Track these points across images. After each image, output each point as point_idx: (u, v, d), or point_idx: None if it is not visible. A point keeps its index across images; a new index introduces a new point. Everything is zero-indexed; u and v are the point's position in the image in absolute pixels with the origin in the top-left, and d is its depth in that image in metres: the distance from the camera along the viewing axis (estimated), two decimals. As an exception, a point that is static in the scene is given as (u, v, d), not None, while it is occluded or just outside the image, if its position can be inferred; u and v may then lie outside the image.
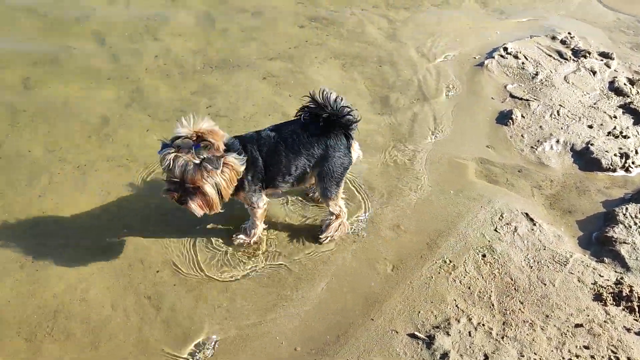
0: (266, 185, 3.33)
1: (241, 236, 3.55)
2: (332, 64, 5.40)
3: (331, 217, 3.54)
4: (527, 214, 3.80)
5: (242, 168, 3.03)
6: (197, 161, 2.84)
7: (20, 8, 5.97)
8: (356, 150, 3.43)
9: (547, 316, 3.14)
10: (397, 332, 3.06)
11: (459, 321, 3.10)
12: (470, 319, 3.12)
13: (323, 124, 3.19)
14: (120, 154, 4.18)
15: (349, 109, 3.18)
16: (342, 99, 3.16)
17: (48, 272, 3.34)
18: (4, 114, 4.56)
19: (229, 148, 3.04)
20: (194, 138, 2.88)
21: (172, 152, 2.83)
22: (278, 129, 3.27)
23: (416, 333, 3.05)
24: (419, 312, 3.17)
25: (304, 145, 3.22)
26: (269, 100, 4.86)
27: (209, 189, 2.92)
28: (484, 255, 3.52)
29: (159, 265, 3.42)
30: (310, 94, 3.16)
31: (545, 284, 3.33)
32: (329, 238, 3.57)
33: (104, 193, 3.85)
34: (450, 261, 3.47)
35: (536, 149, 4.48)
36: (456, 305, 3.20)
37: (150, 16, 5.99)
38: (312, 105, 3.17)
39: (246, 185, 3.23)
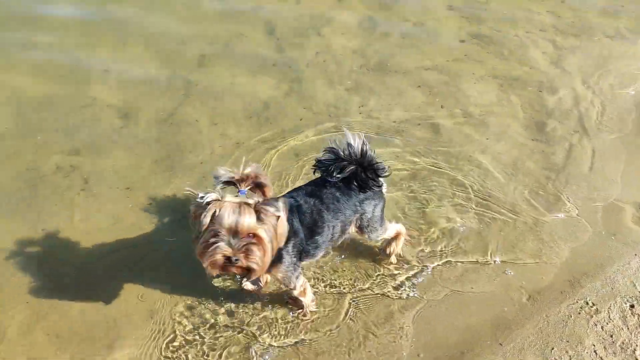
0: (304, 256, 2.96)
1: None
2: (489, 82, 5.29)
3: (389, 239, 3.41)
4: (689, 272, 3.46)
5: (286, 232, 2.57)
6: (252, 202, 2.38)
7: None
8: (383, 184, 3.19)
9: (701, 387, 2.85)
10: (525, 363, 2.94)
11: (596, 368, 2.91)
12: (609, 369, 2.91)
13: (356, 183, 2.96)
14: (275, 137, 4.45)
15: (377, 164, 2.95)
16: (369, 150, 2.92)
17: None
18: (180, 84, 5.07)
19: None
20: (239, 182, 2.47)
21: (215, 199, 2.38)
22: (317, 195, 2.92)
23: (546, 369, 2.91)
24: (553, 348, 3.01)
25: (346, 207, 2.96)
26: (421, 108, 4.88)
27: (264, 235, 2.40)
28: (632, 306, 3.25)
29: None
30: (332, 147, 2.92)
31: (702, 352, 3.01)
32: (393, 255, 3.44)
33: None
34: (594, 304, 3.25)
35: None
36: (594, 351, 3.00)
37: (316, 14, 6.29)
38: (327, 160, 2.93)
39: (285, 257, 2.78)
